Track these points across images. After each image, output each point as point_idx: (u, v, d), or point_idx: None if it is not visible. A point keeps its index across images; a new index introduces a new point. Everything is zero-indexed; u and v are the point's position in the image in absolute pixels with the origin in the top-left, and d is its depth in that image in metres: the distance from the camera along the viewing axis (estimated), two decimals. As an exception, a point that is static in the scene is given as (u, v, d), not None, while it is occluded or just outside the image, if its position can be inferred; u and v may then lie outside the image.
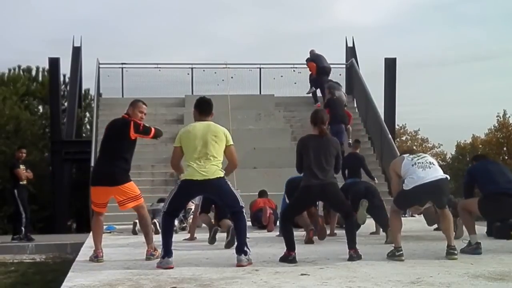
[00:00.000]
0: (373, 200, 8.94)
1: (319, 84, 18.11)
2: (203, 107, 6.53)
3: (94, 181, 6.98)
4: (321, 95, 18.26)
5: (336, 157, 6.72)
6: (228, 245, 7.72)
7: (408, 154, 6.90)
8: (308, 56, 18.32)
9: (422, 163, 6.67)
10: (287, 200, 8.79)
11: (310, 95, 18.72)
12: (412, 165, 6.64)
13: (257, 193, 11.77)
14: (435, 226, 9.15)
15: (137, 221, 10.03)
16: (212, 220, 9.22)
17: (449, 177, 6.78)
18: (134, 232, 10.19)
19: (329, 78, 17.92)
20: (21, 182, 12.70)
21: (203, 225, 9.63)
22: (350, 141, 16.10)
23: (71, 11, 61.37)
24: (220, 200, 6.69)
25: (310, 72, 18.29)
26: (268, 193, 11.77)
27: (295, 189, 7.06)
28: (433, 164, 6.71)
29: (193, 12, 69.36)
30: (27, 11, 60.97)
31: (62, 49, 33.37)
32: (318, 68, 17.98)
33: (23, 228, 12.38)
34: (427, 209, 8.73)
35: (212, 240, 8.33)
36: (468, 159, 37.48)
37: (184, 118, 16.54)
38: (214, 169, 6.25)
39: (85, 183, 14.92)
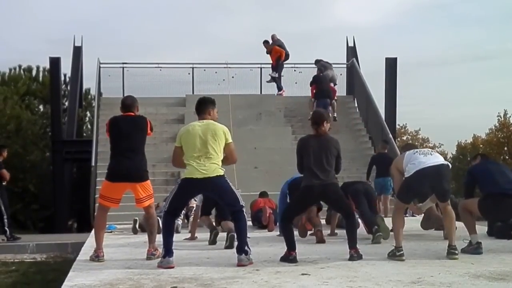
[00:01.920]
0: (369, 198, 9.02)
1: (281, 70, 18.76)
2: (198, 107, 6.58)
3: (115, 177, 6.81)
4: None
5: (336, 157, 6.71)
6: (227, 248, 7.74)
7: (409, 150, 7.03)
8: (269, 39, 18.66)
9: (423, 151, 6.85)
10: (288, 200, 8.79)
11: (272, 80, 18.97)
12: (414, 154, 6.78)
13: (257, 193, 11.77)
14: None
15: (137, 218, 10.07)
16: (213, 222, 9.21)
17: (450, 165, 6.82)
18: (135, 230, 10.18)
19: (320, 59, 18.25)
20: (3, 183, 12.48)
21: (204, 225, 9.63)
22: (336, 115, 17.10)
23: (72, 10, 61.46)
24: (220, 199, 6.69)
25: (275, 57, 18.50)
26: (269, 193, 11.76)
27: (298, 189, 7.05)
28: (434, 152, 6.88)
29: (193, 12, 69.46)
30: (27, 10, 61.05)
31: (63, 49, 33.59)
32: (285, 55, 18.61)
33: (7, 229, 12.23)
34: (428, 211, 8.73)
35: (212, 242, 8.31)
36: (469, 159, 37.49)
37: (185, 118, 16.54)
38: (214, 167, 6.25)
39: (86, 182, 14.96)
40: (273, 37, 18.82)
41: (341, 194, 6.88)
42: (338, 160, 6.75)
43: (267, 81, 19.16)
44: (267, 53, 18.78)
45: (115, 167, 6.85)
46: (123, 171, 6.76)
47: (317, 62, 18.12)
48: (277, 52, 18.52)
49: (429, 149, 6.98)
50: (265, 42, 18.80)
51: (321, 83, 16.84)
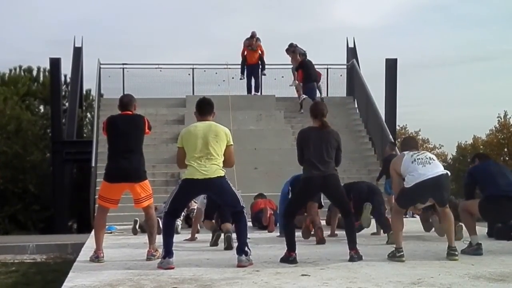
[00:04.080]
0: (374, 198, 8.98)
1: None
2: (204, 108, 6.55)
3: (112, 177, 6.79)
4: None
5: (337, 149, 6.71)
6: (226, 249, 7.77)
7: (407, 151, 6.85)
8: (258, 37, 18.38)
9: (422, 159, 6.64)
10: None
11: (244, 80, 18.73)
12: (412, 162, 6.62)
13: (258, 194, 11.74)
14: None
15: (137, 219, 10.06)
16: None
17: (449, 173, 6.76)
18: (135, 231, 10.17)
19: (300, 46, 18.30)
20: None
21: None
22: (323, 96, 17.92)
23: (72, 11, 61.50)
24: (221, 200, 6.70)
25: (258, 55, 18.34)
26: (269, 193, 11.75)
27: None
28: (433, 160, 6.69)
29: (194, 12, 69.48)
30: (28, 11, 61.05)
31: (63, 50, 33.51)
32: None
33: None
34: (424, 214, 8.75)
35: (214, 243, 8.29)
36: (468, 159, 37.47)
37: (185, 119, 16.53)
38: (214, 168, 6.25)
39: (86, 183, 14.95)
40: (255, 34, 18.42)
41: (341, 187, 6.88)
42: (338, 153, 6.75)
43: (240, 78, 18.73)
44: (252, 48, 18.25)
45: (112, 167, 6.83)
46: (121, 172, 6.75)
47: (294, 46, 18.12)
48: (261, 50, 18.42)
49: (427, 156, 6.73)
50: (251, 38, 18.34)
51: (308, 68, 17.44)
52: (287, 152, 14.50)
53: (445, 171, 6.68)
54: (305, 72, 17.37)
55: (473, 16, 71.48)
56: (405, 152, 6.88)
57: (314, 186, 6.72)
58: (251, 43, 18.30)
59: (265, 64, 18.66)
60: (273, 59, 19.41)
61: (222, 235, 8.09)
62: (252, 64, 18.46)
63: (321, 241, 8.30)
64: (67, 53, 19.82)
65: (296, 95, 18.45)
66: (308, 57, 17.94)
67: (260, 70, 18.69)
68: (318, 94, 17.83)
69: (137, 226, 10.18)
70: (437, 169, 6.62)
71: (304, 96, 17.49)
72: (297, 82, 18.10)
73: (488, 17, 70.21)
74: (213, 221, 9.09)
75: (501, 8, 66.25)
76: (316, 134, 6.66)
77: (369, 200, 8.93)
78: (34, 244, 11.65)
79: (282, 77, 19.51)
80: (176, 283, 5.42)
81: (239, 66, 18.71)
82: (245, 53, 18.40)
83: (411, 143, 7.24)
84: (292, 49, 18.04)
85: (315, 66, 18.41)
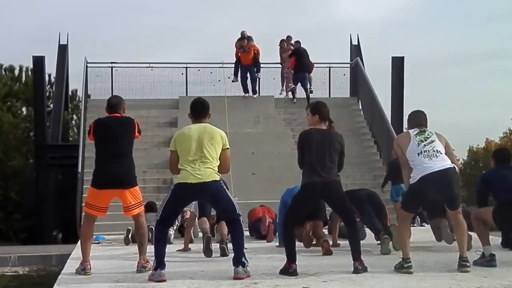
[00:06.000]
0: (374, 206, 9.00)
1: None
2: (198, 109, 6.55)
3: (101, 183, 6.78)
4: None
5: (340, 153, 6.68)
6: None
7: (414, 131, 6.73)
8: (250, 36, 18.38)
9: (429, 151, 6.56)
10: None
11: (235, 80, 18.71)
12: (419, 154, 6.55)
13: (255, 201, 11.74)
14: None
15: (130, 228, 10.03)
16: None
17: (457, 168, 6.71)
18: (127, 241, 10.15)
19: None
20: None
21: (200, 234, 9.62)
22: (312, 88, 18.51)
23: (57, 6, 61.50)
24: (216, 206, 6.68)
25: (252, 55, 18.26)
26: (268, 201, 11.76)
27: None
28: (440, 153, 6.60)
29: (187, 8, 69.54)
30: (9, 6, 61.02)
31: (48, 47, 33.42)
32: None
33: None
34: (435, 221, 8.75)
35: (207, 251, 8.26)
36: (481, 164, 37.49)
37: (178, 121, 16.54)
38: (209, 172, 6.24)
39: (72, 190, 14.95)
40: (245, 34, 18.30)
41: (344, 194, 6.82)
42: (342, 157, 6.70)
43: (233, 81, 18.64)
44: (244, 50, 18.10)
45: (101, 173, 6.83)
46: (111, 177, 6.74)
47: (291, 38, 18.98)
48: (256, 50, 18.33)
49: (435, 148, 6.59)
50: (242, 39, 18.21)
51: (302, 57, 17.89)
52: (287, 157, 14.51)
53: (452, 165, 6.60)
54: (298, 60, 17.76)
55: (488, 10, 71.66)
56: (411, 131, 6.76)
57: (314, 193, 6.66)
58: (242, 45, 18.16)
59: (260, 65, 18.47)
60: (272, 58, 19.43)
61: (218, 244, 8.10)
62: (247, 65, 18.32)
63: (327, 252, 8.28)
64: (51, 51, 19.91)
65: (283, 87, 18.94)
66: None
67: (255, 71, 18.65)
68: (307, 85, 18.23)
69: (129, 236, 10.16)
70: (444, 162, 6.55)
71: (293, 85, 18.10)
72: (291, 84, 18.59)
73: (502, 14, 70.42)
74: (207, 221, 9.11)
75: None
76: (319, 136, 6.62)
77: (368, 208, 8.92)
78: (15, 256, 11.60)
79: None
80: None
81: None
82: (239, 54, 18.36)
83: (420, 120, 6.93)
84: (290, 43, 18.76)
85: (318, 65, 18.59)
